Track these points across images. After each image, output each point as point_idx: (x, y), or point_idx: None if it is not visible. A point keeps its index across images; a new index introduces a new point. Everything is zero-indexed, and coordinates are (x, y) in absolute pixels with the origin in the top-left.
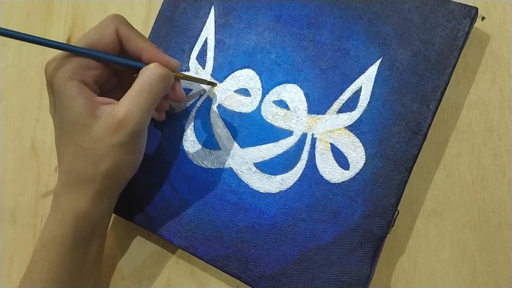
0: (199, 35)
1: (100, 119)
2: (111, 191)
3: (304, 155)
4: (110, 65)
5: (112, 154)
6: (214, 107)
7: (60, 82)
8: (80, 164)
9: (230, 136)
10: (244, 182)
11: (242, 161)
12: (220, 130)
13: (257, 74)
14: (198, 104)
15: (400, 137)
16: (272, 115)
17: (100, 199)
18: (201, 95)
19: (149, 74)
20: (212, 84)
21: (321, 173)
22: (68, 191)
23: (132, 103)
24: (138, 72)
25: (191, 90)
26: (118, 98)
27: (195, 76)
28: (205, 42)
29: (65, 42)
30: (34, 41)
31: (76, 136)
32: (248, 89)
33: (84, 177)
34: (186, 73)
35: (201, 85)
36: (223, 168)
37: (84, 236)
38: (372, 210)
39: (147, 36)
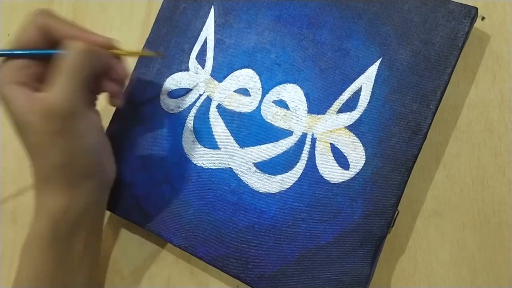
0: (199, 35)
1: (37, 112)
2: (79, 182)
3: (304, 155)
4: (45, 59)
5: (55, 143)
6: (214, 107)
7: (1, 89)
8: (38, 163)
9: (230, 136)
10: (244, 182)
11: (242, 161)
12: (219, 130)
13: (257, 74)
14: (198, 104)
15: (400, 137)
16: (272, 115)
17: (71, 192)
18: (200, 95)
19: (66, 54)
20: (160, 55)
21: (321, 173)
22: (39, 190)
23: (55, 87)
24: None
25: (190, 90)
26: None
27: (139, 51)
28: (205, 42)
29: None
30: None
31: (25, 136)
32: (248, 89)
33: (46, 173)
34: (181, 73)
35: (199, 84)
36: (223, 168)
37: (65, 231)
38: (372, 210)
39: (146, 36)
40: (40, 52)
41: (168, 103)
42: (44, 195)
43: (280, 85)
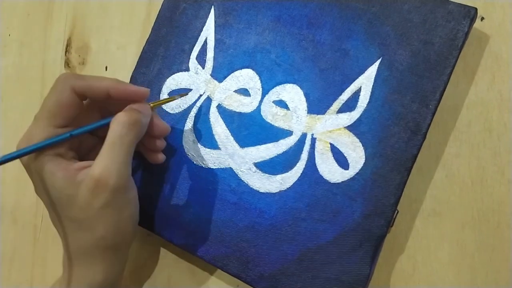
0: (199, 35)
1: (81, 185)
2: (120, 248)
3: (304, 155)
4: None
5: (103, 216)
6: (214, 107)
7: (34, 162)
8: (78, 235)
9: (230, 136)
10: (244, 182)
11: (242, 161)
12: (220, 130)
13: (257, 74)
14: (198, 104)
15: (400, 137)
16: (272, 115)
17: (111, 260)
18: (200, 95)
19: (115, 127)
20: (182, 95)
21: (320, 173)
22: (76, 263)
23: (106, 160)
24: None
25: (190, 90)
26: None
27: (168, 98)
28: (205, 42)
29: (65, 42)
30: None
31: (65, 210)
32: (248, 89)
33: (87, 246)
34: (182, 73)
35: (199, 84)
36: (223, 168)
37: None
38: (372, 209)
39: (147, 37)
40: (95, 125)
41: (169, 103)
42: (82, 266)
43: (280, 85)
